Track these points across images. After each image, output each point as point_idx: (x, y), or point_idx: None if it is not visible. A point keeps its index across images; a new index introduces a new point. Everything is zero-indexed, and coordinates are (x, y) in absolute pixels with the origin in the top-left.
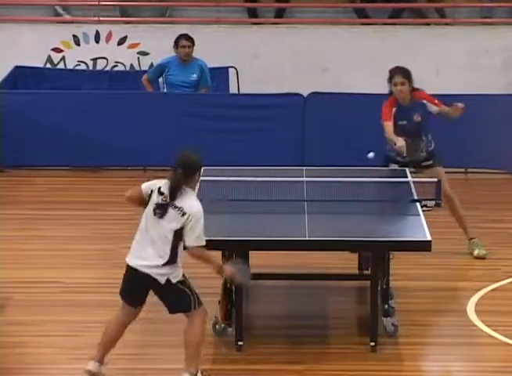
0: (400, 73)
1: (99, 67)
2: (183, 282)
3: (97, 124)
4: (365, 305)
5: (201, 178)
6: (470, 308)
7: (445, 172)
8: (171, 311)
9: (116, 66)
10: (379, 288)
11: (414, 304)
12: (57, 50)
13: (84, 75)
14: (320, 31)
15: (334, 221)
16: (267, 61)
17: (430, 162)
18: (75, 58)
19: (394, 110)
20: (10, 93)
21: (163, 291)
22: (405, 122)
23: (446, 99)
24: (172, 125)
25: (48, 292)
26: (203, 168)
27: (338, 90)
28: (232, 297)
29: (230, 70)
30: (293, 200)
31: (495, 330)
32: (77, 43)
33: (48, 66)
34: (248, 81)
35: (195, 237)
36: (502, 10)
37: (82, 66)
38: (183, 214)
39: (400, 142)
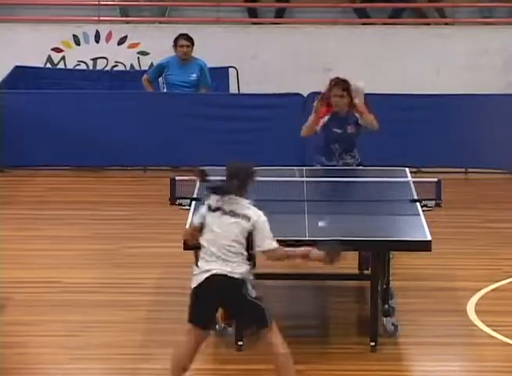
0: (340, 85)
1: (99, 67)
2: (258, 296)
3: (97, 124)
4: (365, 305)
5: None
6: (470, 308)
7: (446, 172)
8: (246, 325)
9: (116, 66)
10: (379, 288)
11: (414, 304)
12: (57, 50)
13: (85, 75)
14: (320, 31)
15: (334, 221)
16: (267, 61)
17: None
18: (75, 58)
19: (327, 118)
20: (10, 93)
21: (238, 304)
22: (339, 131)
23: (447, 98)
24: (172, 125)
25: (49, 292)
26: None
27: None
28: None
29: (230, 70)
30: (293, 200)
31: (495, 330)
32: (77, 43)
33: (49, 66)
34: (248, 81)
35: (267, 241)
36: (502, 10)
37: (82, 66)
38: (248, 219)
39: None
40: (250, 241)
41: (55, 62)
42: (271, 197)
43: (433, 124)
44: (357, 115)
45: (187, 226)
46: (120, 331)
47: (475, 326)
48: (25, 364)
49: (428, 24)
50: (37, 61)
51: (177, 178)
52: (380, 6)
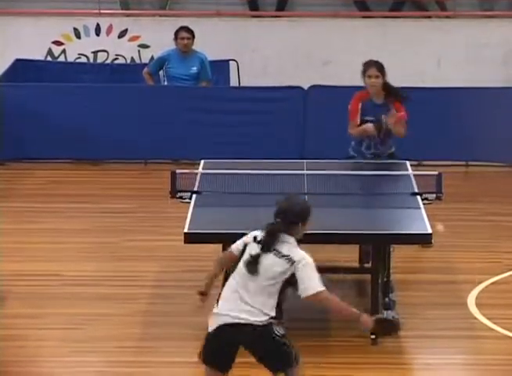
0: (375, 66)
1: (99, 60)
2: (284, 334)
3: (98, 117)
4: (365, 298)
5: (201, 171)
6: (471, 301)
7: (447, 166)
8: (272, 368)
9: (116, 59)
10: (379, 281)
11: (414, 297)
12: (58, 43)
13: (85, 68)
14: (321, 24)
15: (335, 214)
16: (268, 54)
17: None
18: (76, 51)
19: (361, 104)
20: (11, 86)
21: (264, 349)
22: (373, 119)
23: (447, 92)
24: (173, 118)
25: (49, 285)
26: (203, 161)
27: (338, 83)
28: None
29: (231, 63)
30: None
31: (495, 323)
32: (78, 36)
33: (49, 59)
34: (249, 74)
35: (309, 286)
36: (503, 3)
37: (83, 59)
38: (292, 262)
39: (368, 126)
40: (286, 285)
41: (56, 55)
42: (271, 190)
43: (433, 117)
44: (393, 111)
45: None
46: (120, 324)
47: (476, 319)
48: (24, 357)
49: (429, 17)
50: (38, 54)
51: (178, 171)
52: None
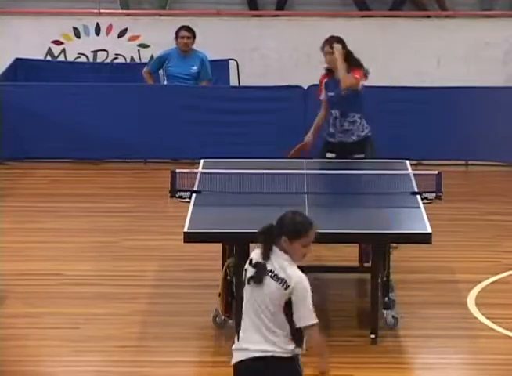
0: (328, 43)
1: (99, 60)
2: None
3: (97, 117)
4: (365, 297)
5: (201, 170)
6: (471, 300)
7: (446, 165)
8: None
9: (116, 58)
10: (379, 281)
11: (414, 296)
12: (57, 42)
13: (85, 68)
14: (321, 24)
15: (334, 213)
16: (267, 53)
17: (362, 156)
18: (75, 50)
19: (325, 81)
20: (10, 85)
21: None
22: (332, 94)
23: (447, 91)
24: (172, 118)
25: (49, 284)
26: (202, 161)
27: None
28: (233, 289)
29: (230, 62)
30: (293, 193)
31: (495, 323)
32: (78, 35)
33: (49, 58)
34: (249, 74)
35: (302, 315)
36: (503, 2)
37: (82, 59)
38: (287, 286)
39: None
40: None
41: (56, 54)
42: (271, 189)
43: (433, 116)
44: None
45: None
46: (120, 324)
47: (475, 318)
48: (25, 356)
49: (428, 17)
50: (38, 53)
51: (177, 170)
52: None
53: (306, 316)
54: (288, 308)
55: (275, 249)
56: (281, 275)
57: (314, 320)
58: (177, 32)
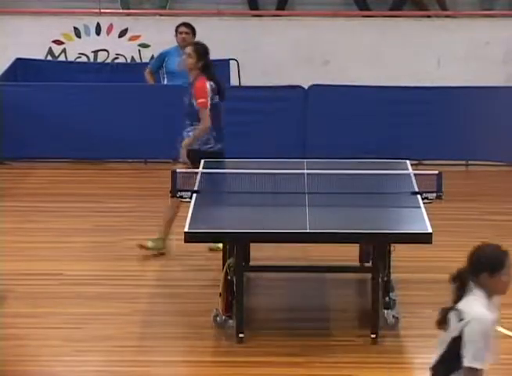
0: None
1: (99, 60)
2: None
3: (98, 117)
4: (365, 297)
5: (202, 170)
6: None
7: (447, 165)
8: None
9: (117, 58)
10: (380, 281)
11: (415, 296)
12: (58, 42)
13: (85, 67)
14: (321, 23)
15: (335, 213)
16: (268, 53)
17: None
18: (76, 50)
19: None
20: (11, 85)
21: None
22: (185, 99)
23: (447, 91)
24: (173, 118)
25: (50, 284)
26: (203, 161)
27: (339, 82)
28: (233, 289)
29: (231, 62)
30: (294, 193)
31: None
32: (78, 35)
33: (49, 58)
34: (249, 74)
35: (469, 355)
36: (503, 2)
37: (83, 59)
38: (460, 319)
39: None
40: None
41: (56, 54)
42: (271, 189)
43: (433, 116)
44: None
45: None
46: (121, 323)
47: None
48: (25, 356)
49: (429, 17)
50: (38, 53)
51: (178, 170)
52: None
53: (469, 356)
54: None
55: (471, 283)
56: (460, 306)
57: (477, 365)
58: (176, 28)
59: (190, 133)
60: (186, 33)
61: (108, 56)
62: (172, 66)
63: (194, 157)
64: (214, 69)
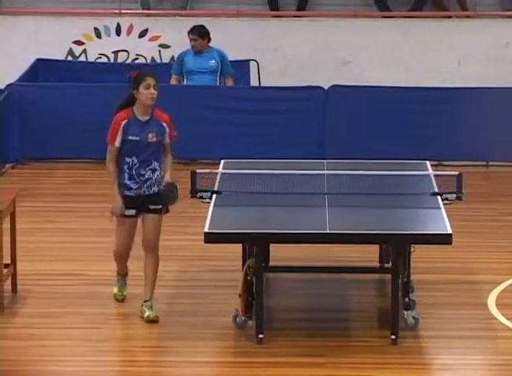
0: (153, 75)
1: (120, 60)
2: None
3: None
4: (385, 298)
5: (222, 170)
6: (491, 301)
7: (467, 166)
8: None
9: (137, 58)
10: (400, 281)
11: (435, 297)
12: (78, 43)
13: (106, 68)
14: (341, 24)
15: (355, 214)
16: (288, 54)
17: (159, 207)
18: (96, 51)
19: (124, 122)
20: (32, 86)
21: None
22: (137, 138)
23: (468, 91)
24: (192, 118)
25: (70, 284)
26: (223, 161)
27: (359, 83)
28: (253, 290)
29: (251, 63)
30: (314, 193)
31: None
32: (99, 36)
33: (70, 58)
34: (269, 74)
35: None
36: None
37: (103, 59)
38: None
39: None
40: None
41: (77, 55)
42: (292, 190)
43: (454, 117)
44: (165, 127)
45: None
46: (140, 324)
47: (496, 319)
48: (46, 356)
49: (449, 17)
50: (59, 54)
51: (198, 171)
52: None
53: None
54: None
55: None
56: None
57: None
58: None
59: None
60: (194, 40)
61: (128, 57)
62: (191, 65)
63: None
64: None
